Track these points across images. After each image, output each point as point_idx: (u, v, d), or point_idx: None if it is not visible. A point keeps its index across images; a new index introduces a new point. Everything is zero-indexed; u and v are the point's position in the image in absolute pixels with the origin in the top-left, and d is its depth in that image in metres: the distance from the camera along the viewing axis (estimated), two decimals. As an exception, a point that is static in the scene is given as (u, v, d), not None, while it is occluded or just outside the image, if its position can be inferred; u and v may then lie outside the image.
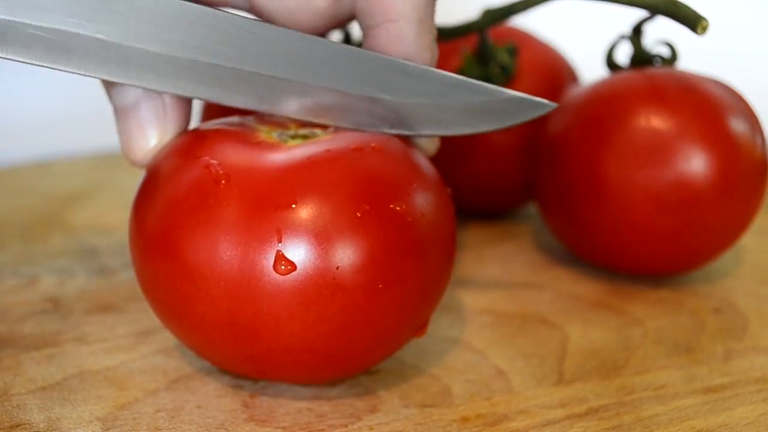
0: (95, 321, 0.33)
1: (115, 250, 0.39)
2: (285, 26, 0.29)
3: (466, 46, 0.41)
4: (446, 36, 0.37)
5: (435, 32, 0.29)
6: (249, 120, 0.30)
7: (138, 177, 0.29)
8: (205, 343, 0.28)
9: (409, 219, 0.27)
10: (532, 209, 0.45)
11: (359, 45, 0.30)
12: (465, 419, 0.28)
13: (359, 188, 0.26)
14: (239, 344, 0.27)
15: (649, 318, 0.35)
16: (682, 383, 0.31)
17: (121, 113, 0.29)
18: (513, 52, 0.41)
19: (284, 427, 0.28)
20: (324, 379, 0.29)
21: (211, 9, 0.27)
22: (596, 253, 0.38)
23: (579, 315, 0.35)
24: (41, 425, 0.27)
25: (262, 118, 0.30)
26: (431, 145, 0.31)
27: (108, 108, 0.29)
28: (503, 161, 0.41)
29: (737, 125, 0.35)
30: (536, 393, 0.30)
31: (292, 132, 0.29)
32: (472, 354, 0.32)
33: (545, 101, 0.29)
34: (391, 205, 0.26)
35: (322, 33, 0.30)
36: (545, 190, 0.38)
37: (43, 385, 0.29)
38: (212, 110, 0.39)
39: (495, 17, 0.37)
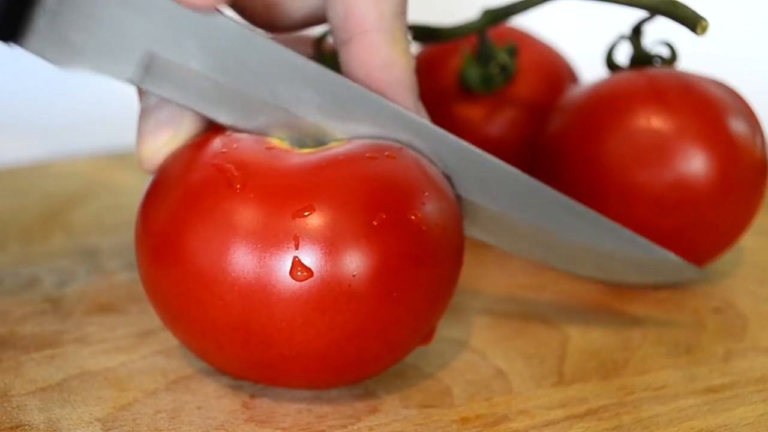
0: (95, 322, 0.33)
1: (115, 250, 0.39)
2: (264, 21, 0.30)
3: (466, 46, 0.41)
4: (446, 36, 0.37)
5: (408, 42, 0.30)
6: None
7: (139, 177, 0.29)
8: (213, 348, 0.27)
9: (424, 228, 0.27)
10: (532, 209, 0.45)
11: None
12: (465, 420, 0.28)
13: (376, 196, 0.26)
14: (250, 349, 0.26)
15: (649, 318, 0.35)
16: (682, 383, 0.31)
17: (142, 114, 0.29)
18: (513, 52, 0.41)
19: (284, 428, 0.28)
20: (329, 386, 0.29)
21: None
22: (596, 253, 0.38)
23: (579, 315, 0.35)
24: (41, 426, 0.27)
25: None
26: None
27: (108, 109, 0.30)
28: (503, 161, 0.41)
29: (737, 125, 0.35)
30: (536, 393, 0.30)
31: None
32: (472, 354, 0.32)
33: (693, 267, 0.31)
34: (407, 214, 0.26)
35: (298, 29, 0.31)
36: (545, 190, 0.38)
37: (43, 386, 0.29)
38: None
39: (495, 17, 0.37)
